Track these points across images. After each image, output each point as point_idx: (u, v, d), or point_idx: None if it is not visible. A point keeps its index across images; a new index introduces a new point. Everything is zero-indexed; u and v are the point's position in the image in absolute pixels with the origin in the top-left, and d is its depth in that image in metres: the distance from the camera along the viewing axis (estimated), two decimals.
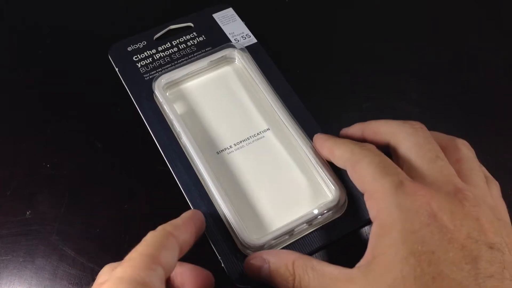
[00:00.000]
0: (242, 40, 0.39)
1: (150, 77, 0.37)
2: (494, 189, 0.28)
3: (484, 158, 0.38)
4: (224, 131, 0.35)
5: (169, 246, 0.23)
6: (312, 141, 0.33)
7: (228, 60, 0.38)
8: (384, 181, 0.24)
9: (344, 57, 0.41)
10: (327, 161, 0.32)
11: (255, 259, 0.27)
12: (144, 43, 0.39)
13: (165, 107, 0.34)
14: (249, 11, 0.42)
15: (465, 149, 0.28)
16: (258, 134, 0.34)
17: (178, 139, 0.34)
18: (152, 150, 0.35)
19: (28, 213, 0.33)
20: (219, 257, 0.30)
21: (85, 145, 0.35)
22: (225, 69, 0.38)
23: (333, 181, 0.31)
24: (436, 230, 0.22)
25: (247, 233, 0.29)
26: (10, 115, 0.37)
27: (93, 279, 0.26)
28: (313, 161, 0.33)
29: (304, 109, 0.36)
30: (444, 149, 0.28)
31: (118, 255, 0.33)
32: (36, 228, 0.32)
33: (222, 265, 0.30)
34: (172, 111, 0.34)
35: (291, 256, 0.26)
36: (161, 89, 0.35)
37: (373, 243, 0.24)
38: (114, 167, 0.35)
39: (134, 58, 0.38)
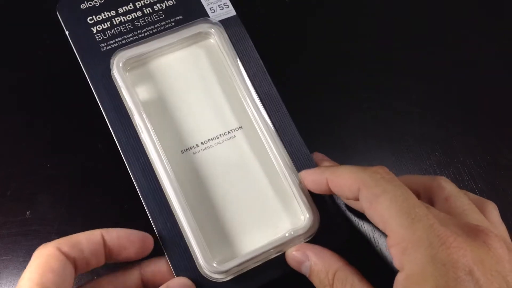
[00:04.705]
0: (218, 11, 0.33)
1: (108, 48, 0.31)
2: (494, 213, 0.26)
3: (484, 158, 0.39)
4: (191, 126, 0.30)
5: (56, 268, 0.23)
6: (283, 142, 0.30)
7: (201, 38, 0.32)
8: (415, 228, 0.21)
9: (344, 57, 0.41)
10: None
11: (298, 252, 0.26)
12: (101, 0, 0.32)
13: (124, 92, 0.30)
14: None
15: (448, 186, 0.26)
16: (228, 132, 0.30)
17: (138, 133, 0.29)
18: None
19: (28, 213, 0.33)
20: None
21: (85, 145, 0.35)
22: (197, 48, 0.32)
23: (306, 203, 0.28)
24: (470, 286, 0.20)
25: (208, 258, 0.27)
26: (10, 115, 0.37)
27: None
28: (287, 176, 0.29)
29: (278, 100, 0.31)
30: (426, 191, 0.26)
31: None
32: (36, 228, 0.32)
33: None
34: (132, 98, 0.29)
35: (334, 265, 0.25)
36: (120, 69, 0.30)
37: None
38: (114, 167, 0.35)
39: (88, 20, 0.31)
